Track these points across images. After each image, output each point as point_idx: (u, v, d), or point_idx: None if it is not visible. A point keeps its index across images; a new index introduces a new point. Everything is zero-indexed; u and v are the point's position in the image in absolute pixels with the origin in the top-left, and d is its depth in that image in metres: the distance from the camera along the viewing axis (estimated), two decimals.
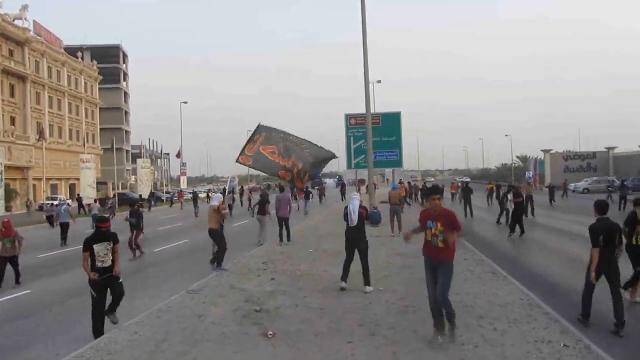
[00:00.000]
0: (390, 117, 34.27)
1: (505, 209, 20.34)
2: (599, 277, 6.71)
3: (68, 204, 28.28)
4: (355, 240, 9.08)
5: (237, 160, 12.33)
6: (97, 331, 6.99)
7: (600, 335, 6.46)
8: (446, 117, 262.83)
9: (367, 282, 8.90)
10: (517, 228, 16.72)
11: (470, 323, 6.75)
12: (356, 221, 9.00)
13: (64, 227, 19.11)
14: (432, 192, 6.30)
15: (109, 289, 7.12)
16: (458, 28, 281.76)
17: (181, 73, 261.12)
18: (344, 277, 9.03)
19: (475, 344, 5.98)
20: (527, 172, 34.99)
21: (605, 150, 64.01)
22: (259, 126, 12.52)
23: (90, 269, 7.00)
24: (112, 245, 7.15)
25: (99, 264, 7.01)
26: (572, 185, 49.49)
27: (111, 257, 7.12)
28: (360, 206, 9.18)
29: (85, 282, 7.20)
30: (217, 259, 11.27)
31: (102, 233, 7.19)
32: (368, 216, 9.73)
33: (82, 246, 7.09)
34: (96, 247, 7.03)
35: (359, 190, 37.64)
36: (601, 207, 6.95)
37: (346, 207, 9.26)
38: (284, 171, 12.27)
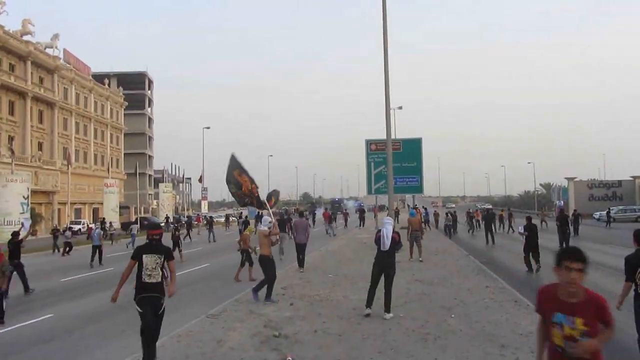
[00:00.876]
0: (411, 143, 34.38)
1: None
2: None
3: (103, 227, 30.25)
4: (385, 266, 8.92)
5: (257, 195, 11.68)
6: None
7: None
8: (467, 143, 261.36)
9: (387, 309, 8.79)
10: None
11: (492, 352, 6.64)
12: (388, 246, 8.87)
13: (95, 249, 19.62)
14: (569, 256, 3.30)
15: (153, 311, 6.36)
16: (476, 54, 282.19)
17: (204, 99, 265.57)
18: (369, 304, 8.91)
19: None
20: (557, 202, 34.45)
21: (631, 179, 62.82)
22: (232, 156, 11.77)
23: (135, 282, 6.38)
24: (162, 259, 6.44)
25: (145, 278, 6.33)
26: (597, 214, 48.68)
27: (160, 274, 6.40)
28: (394, 231, 9.04)
29: (107, 306, 7.14)
30: (267, 290, 10.41)
31: (153, 243, 6.52)
32: (400, 242, 9.43)
33: (116, 266, 6.83)
34: (146, 258, 6.37)
35: (375, 217, 37.30)
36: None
37: (379, 231, 9.13)
38: (249, 198, 11.74)
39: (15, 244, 13.25)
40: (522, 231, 16.03)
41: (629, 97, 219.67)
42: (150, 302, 6.31)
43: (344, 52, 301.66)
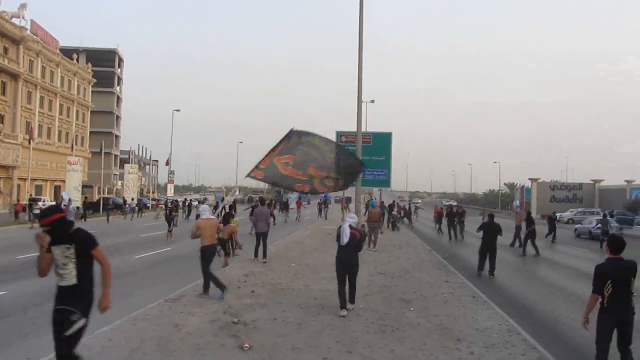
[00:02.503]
0: (381, 137, 34.46)
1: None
2: (610, 331, 5.40)
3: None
4: (347, 264, 8.59)
5: (249, 175, 9.78)
6: None
7: None
8: (435, 140, 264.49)
9: (351, 299, 8.73)
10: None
11: (448, 345, 6.74)
12: (345, 242, 8.49)
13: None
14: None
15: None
16: (451, 55, 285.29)
17: (175, 82, 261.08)
18: (343, 304, 8.41)
19: None
20: (515, 201, 34.66)
21: (592, 182, 64.75)
22: (290, 131, 9.92)
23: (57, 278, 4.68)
24: (73, 250, 4.55)
25: (58, 280, 4.66)
26: (557, 215, 50.01)
27: (75, 272, 4.57)
28: (353, 227, 8.67)
29: None
30: (215, 284, 9.52)
31: (50, 231, 4.57)
32: (362, 238, 8.88)
33: None
34: (55, 250, 4.58)
35: (343, 209, 37.43)
36: (616, 246, 5.56)
37: (340, 227, 8.80)
38: (301, 184, 9.96)
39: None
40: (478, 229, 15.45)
41: (597, 102, 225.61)
42: (59, 317, 4.65)
43: (319, 40, 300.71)
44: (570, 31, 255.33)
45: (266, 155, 9.63)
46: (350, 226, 8.60)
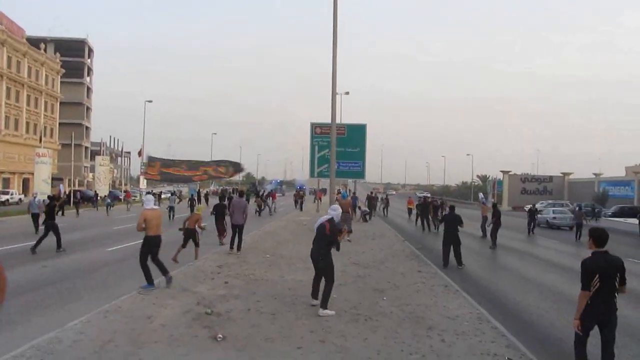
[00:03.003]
0: (355, 129, 34.59)
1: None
2: (590, 328, 5.11)
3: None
4: (312, 258, 8.27)
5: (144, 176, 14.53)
6: None
7: None
8: (410, 132, 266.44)
9: (317, 296, 8.23)
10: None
11: (419, 334, 6.84)
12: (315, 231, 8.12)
13: (35, 217, 19.94)
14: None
15: None
16: (427, 49, 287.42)
17: (148, 74, 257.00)
18: (314, 294, 8.27)
19: (422, 353, 6.06)
20: (480, 194, 35.39)
21: (561, 175, 66.23)
22: (149, 157, 13.95)
23: None
24: None
25: None
26: (526, 208, 51.08)
27: None
28: (327, 220, 8.16)
29: (33, 280, 6.79)
30: (161, 270, 9.55)
31: None
32: (332, 231, 8.10)
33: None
34: None
35: (316, 200, 37.50)
36: (600, 239, 5.21)
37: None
38: (198, 177, 13.31)
39: (50, 207, 15.74)
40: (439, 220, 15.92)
41: (566, 97, 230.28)
42: None
43: (293, 32, 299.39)
44: (541, 24, 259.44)
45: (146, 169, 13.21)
46: (328, 220, 8.16)
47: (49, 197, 16.85)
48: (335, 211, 8.43)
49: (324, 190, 59.56)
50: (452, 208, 15.24)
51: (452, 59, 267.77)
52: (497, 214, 19.32)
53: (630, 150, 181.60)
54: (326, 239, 8.05)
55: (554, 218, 32.41)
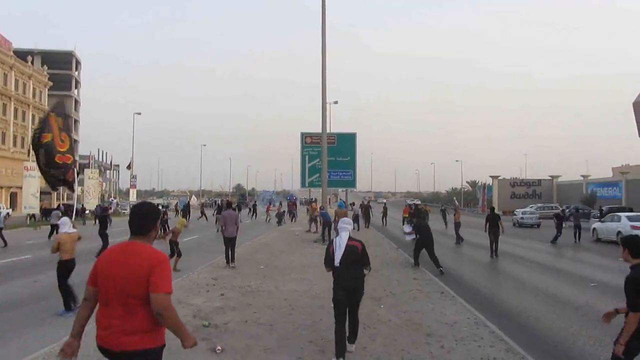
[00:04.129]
0: (345, 138, 34.75)
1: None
2: (636, 354, 4.29)
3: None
4: (349, 289, 6.25)
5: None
6: None
7: None
8: (399, 140, 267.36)
9: (352, 338, 6.49)
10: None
11: (418, 340, 6.85)
12: (339, 260, 6.19)
13: None
14: None
15: None
16: (411, 52, 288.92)
17: (136, 86, 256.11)
18: (340, 353, 5.98)
19: None
20: (454, 198, 35.81)
21: (550, 178, 66.77)
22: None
23: None
24: None
25: None
26: (519, 212, 51.40)
27: None
28: (353, 239, 6.38)
29: (32, 292, 6.66)
30: (71, 298, 8.97)
31: None
32: (364, 250, 6.41)
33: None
34: None
35: (310, 210, 37.33)
36: (638, 249, 4.47)
37: (331, 242, 6.61)
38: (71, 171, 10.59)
39: (102, 218, 17.55)
40: (409, 230, 15.92)
41: (547, 102, 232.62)
42: None
43: (282, 41, 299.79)
44: (531, 33, 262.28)
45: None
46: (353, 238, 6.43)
47: (100, 208, 18.10)
48: (350, 224, 6.77)
49: (314, 200, 59.41)
50: (421, 216, 16.45)
51: (440, 64, 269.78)
52: (496, 219, 18.11)
53: (615, 151, 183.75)
54: (362, 261, 6.40)
55: (522, 218, 38.78)
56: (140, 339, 3.12)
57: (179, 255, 14.12)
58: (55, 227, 21.44)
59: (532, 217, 38.50)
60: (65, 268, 9.00)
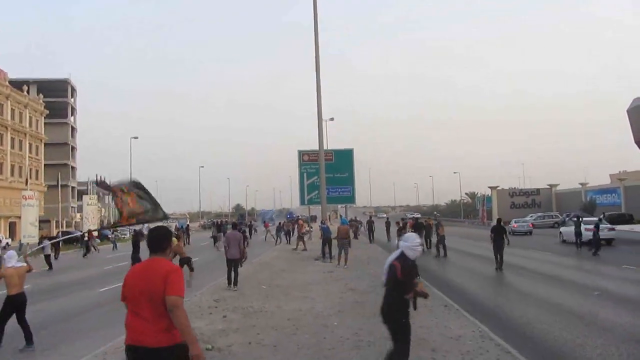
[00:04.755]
0: (342, 154, 34.85)
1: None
2: None
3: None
4: (384, 315, 5.59)
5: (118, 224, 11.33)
6: None
7: None
8: (397, 154, 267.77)
9: None
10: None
11: (424, 356, 6.79)
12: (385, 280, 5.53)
13: None
14: None
15: None
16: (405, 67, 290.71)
17: (132, 113, 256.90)
18: None
19: None
20: (435, 212, 36.28)
21: (548, 187, 66.81)
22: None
23: None
24: None
25: None
26: (518, 221, 51.35)
27: None
28: (399, 258, 5.45)
29: (33, 321, 6.56)
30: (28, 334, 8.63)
31: None
32: (405, 273, 5.36)
33: None
34: None
35: (303, 230, 35.85)
36: None
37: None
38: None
39: (136, 242, 17.62)
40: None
41: (544, 110, 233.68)
42: None
43: (276, 61, 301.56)
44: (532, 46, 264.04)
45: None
46: (397, 257, 5.49)
47: (135, 232, 19.31)
48: (409, 242, 5.52)
49: (313, 218, 59.44)
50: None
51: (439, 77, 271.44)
52: (502, 231, 17.65)
53: (612, 157, 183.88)
54: (397, 286, 5.41)
55: (515, 227, 40.74)
56: (173, 335, 3.68)
57: (191, 269, 14.75)
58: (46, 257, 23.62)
59: (523, 225, 41.94)
60: (13, 304, 8.61)
